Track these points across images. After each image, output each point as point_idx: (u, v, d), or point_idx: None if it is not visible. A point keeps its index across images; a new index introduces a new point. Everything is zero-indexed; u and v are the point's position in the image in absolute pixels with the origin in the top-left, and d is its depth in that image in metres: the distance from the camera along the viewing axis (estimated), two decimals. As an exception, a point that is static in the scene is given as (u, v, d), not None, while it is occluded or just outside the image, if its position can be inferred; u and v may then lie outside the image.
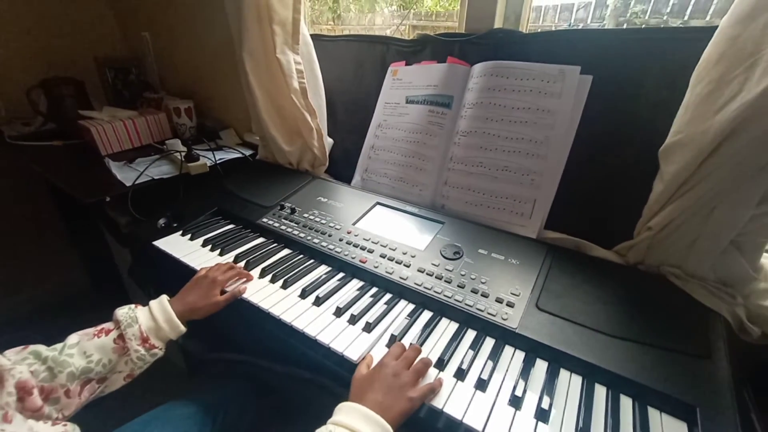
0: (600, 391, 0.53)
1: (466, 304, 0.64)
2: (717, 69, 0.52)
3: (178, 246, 0.83)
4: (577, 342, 0.57)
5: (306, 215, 0.89)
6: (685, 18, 1.48)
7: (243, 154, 1.27)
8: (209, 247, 0.83)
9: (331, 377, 0.59)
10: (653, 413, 0.50)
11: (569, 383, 0.54)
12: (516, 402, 0.51)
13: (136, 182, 1.04)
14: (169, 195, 1.09)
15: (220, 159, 1.21)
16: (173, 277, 0.77)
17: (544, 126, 0.78)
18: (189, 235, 0.86)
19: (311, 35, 1.06)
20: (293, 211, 0.91)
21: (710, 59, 0.53)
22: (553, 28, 1.68)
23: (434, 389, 0.51)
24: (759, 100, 0.46)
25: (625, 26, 1.58)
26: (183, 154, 1.14)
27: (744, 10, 0.48)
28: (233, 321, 0.71)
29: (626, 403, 0.52)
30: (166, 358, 0.61)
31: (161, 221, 0.91)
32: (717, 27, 0.54)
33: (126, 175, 1.10)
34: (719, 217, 0.59)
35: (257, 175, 1.11)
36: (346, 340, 0.60)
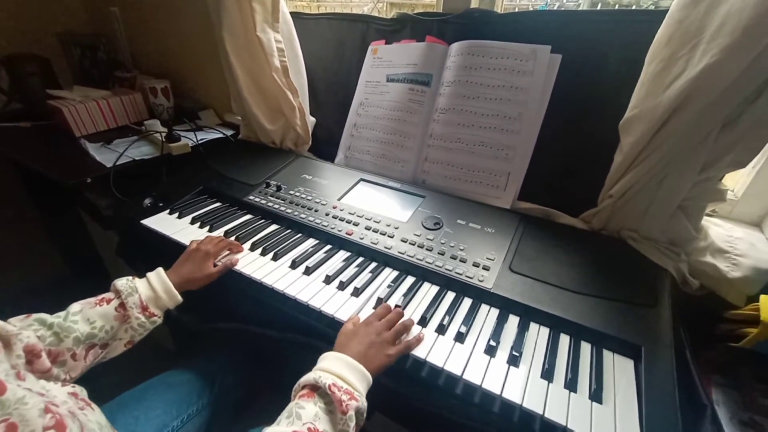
0: (564, 339, 0.60)
1: (446, 269, 0.70)
2: (667, 49, 0.57)
3: (167, 224, 0.85)
4: (545, 299, 0.64)
5: (292, 192, 0.92)
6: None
7: (224, 134, 1.26)
8: (198, 224, 0.85)
9: (323, 340, 0.63)
10: (607, 354, 0.58)
11: (538, 334, 0.61)
12: (491, 350, 0.57)
13: (117, 163, 1.03)
14: (151, 175, 1.09)
15: (202, 139, 1.21)
16: (162, 254, 0.79)
17: (517, 103, 0.83)
18: (177, 214, 0.88)
19: (291, 13, 1.06)
20: (279, 188, 0.93)
21: (661, 40, 0.58)
22: (530, 7, 1.71)
23: (410, 347, 0.57)
24: (699, 78, 0.52)
25: (599, 6, 1.62)
26: (164, 134, 1.13)
27: (690, -5, 0.54)
28: (228, 293, 0.74)
29: (586, 348, 0.59)
30: (155, 338, 0.63)
31: (147, 201, 0.92)
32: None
33: (105, 156, 1.09)
34: (669, 184, 0.66)
35: (241, 155, 1.12)
36: (336, 304, 0.64)
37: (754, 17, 0.46)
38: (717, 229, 0.72)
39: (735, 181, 0.80)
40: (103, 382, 0.60)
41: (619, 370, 0.55)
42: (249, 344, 0.85)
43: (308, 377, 0.48)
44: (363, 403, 0.47)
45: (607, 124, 0.73)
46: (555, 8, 1.65)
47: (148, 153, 1.12)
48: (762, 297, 0.61)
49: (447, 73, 0.90)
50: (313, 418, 0.43)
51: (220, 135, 1.26)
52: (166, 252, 0.78)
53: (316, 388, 0.47)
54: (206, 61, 1.33)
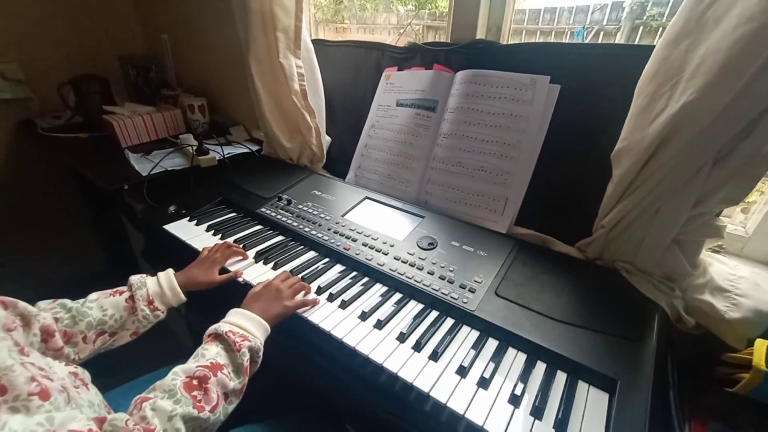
0: (540, 367, 0.60)
1: (433, 289, 0.72)
2: (652, 85, 0.58)
3: (185, 230, 0.93)
4: (526, 325, 0.65)
5: (300, 206, 0.98)
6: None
7: (249, 149, 1.37)
8: (212, 232, 0.93)
9: (312, 347, 0.67)
10: (582, 386, 0.57)
11: (514, 359, 0.62)
12: (462, 371, 0.58)
13: (152, 172, 1.15)
14: (180, 185, 1.20)
15: (228, 153, 1.31)
16: (180, 257, 0.87)
17: (516, 130, 0.85)
18: (195, 221, 0.97)
19: (314, 40, 1.15)
20: (289, 202, 1.00)
21: (648, 76, 0.59)
22: (567, 30, 1.69)
23: (306, 303, 0.68)
24: (679, 115, 0.52)
25: (641, 29, 1.56)
26: (194, 148, 1.24)
27: (672, 35, 0.54)
28: (229, 297, 0.80)
29: (561, 377, 0.59)
30: (174, 332, 0.70)
31: (171, 208, 1.01)
32: (657, 47, 0.60)
33: (142, 165, 1.21)
34: (662, 218, 0.65)
35: (260, 169, 1.21)
36: (322, 314, 0.68)
37: (728, 59, 0.46)
38: (720, 266, 0.69)
39: (747, 218, 0.76)
40: (123, 370, 0.67)
41: (592, 403, 0.55)
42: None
43: (211, 328, 0.58)
44: (256, 343, 0.58)
45: (604, 153, 0.73)
46: (594, 31, 1.63)
47: (180, 164, 1.23)
48: (757, 341, 0.58)
49: (451, 99, 0.94)
50: (214, 355, 0.54)
51: (246, 150, 1.36)
52: (184, 255, 0.86)
53: (217, 336, 0.57)
54: (238, 82, 1.45)
